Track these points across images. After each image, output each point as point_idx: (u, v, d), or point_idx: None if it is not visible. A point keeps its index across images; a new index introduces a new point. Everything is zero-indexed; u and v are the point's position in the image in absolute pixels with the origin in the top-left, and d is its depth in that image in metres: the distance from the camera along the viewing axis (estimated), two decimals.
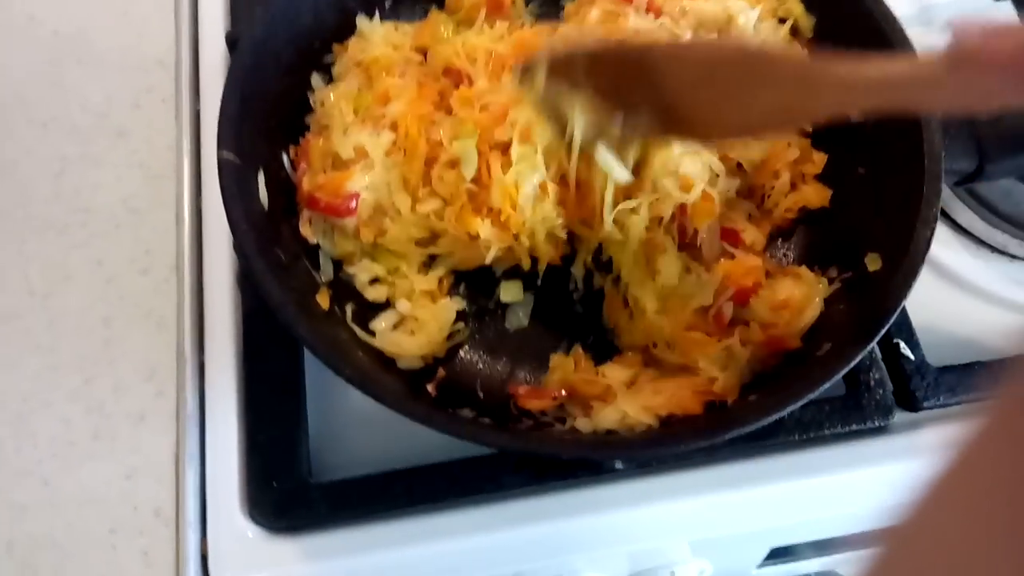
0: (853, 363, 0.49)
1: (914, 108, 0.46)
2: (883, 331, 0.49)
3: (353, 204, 0.58)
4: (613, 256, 0.59)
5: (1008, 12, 0.74)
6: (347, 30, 0.66)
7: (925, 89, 0.39)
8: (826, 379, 0.48)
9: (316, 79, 0.65)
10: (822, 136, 0.62)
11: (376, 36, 0.65)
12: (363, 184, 0.58)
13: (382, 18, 0.67)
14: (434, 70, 0.63)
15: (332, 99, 0.62)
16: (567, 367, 0.56)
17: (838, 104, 0.44)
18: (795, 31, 0.63)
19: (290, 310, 0.49)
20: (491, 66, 0.60)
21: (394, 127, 0.59)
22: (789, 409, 0.48)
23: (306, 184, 0.59)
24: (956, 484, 0.24)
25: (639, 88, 0.46)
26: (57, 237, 0.65)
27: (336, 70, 0.66)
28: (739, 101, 0.44)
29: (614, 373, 0.54)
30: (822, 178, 0.61)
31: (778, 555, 0.67)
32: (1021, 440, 0.23)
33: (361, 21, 0.66)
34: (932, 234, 0.52)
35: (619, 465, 0.57)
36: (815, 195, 0.60)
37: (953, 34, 0.36)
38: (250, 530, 0.55)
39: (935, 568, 0.24)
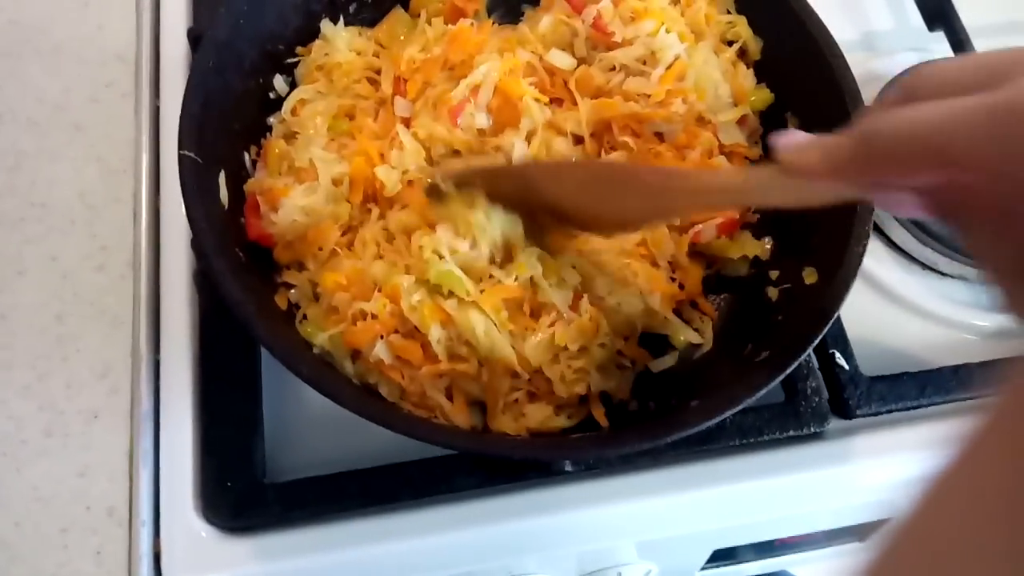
0: (789, 369, 0.51)
1: (757, 205, 0.56)
2: (817, 339, 0.52)
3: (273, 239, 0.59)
4: None
5: (943, 44, 0.78)
6: (311, 33, 0.67)
7: (762, 192, 0.46)
8: (763, 385, 0.51)
9: (279, 81, 0.65)
10: (767, 156, 0.65)
11: (339, 41, 0.66)
12: (299, 204, 0.58)
13: (346, 23, 0.68)
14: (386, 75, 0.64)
15: (308, 111, 0.62)
16: None
17: (692, 206, 0.53)
18: (743, 53, 0.66)
19: (248, 310, 0.50)
20: (425, 74, 0.62)
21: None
22: (729, 413, 0.50)
23: (250, 184, 0.60)
24: (954, 483, 0.25)
25: (530, 196, 0.54)
26: (11, 231, 0.65)
27: (298, 72, 0.66)
28: (612, 205, 0.52)
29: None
30: None
31: (721, 557, 0.70)
32: (1019, 440, 0.23)
33: (325, 25, 0.67)
34: (864, 250, 0.54)
35: (568, 467, 0.58)
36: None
37: (777, 150, 0.42)
38: (204, 530, 0.56)
39: (933, 567, 0.24)
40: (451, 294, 0.53)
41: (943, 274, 0.71)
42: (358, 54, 0.66)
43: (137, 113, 0.69)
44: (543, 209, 0.54)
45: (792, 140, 0.42)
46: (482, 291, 0.53)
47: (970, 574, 0.23)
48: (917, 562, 0.25)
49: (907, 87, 0.38)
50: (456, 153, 0.61)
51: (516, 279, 0.54)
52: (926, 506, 0.25)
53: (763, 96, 0.64)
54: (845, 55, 0.61)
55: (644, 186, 0.51)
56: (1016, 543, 0.22)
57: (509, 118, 0.61)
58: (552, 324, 0.55)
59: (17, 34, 0.72)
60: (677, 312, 0.61)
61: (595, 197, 0.52)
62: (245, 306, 0.50)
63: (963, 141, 0.33)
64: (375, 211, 0.60)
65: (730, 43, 0.66)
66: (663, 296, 0.58)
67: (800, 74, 0.62)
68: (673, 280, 0.60)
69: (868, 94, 0.64)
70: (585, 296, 0.56)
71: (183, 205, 0.52)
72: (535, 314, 0.55)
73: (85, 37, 0.73)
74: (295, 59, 0.66)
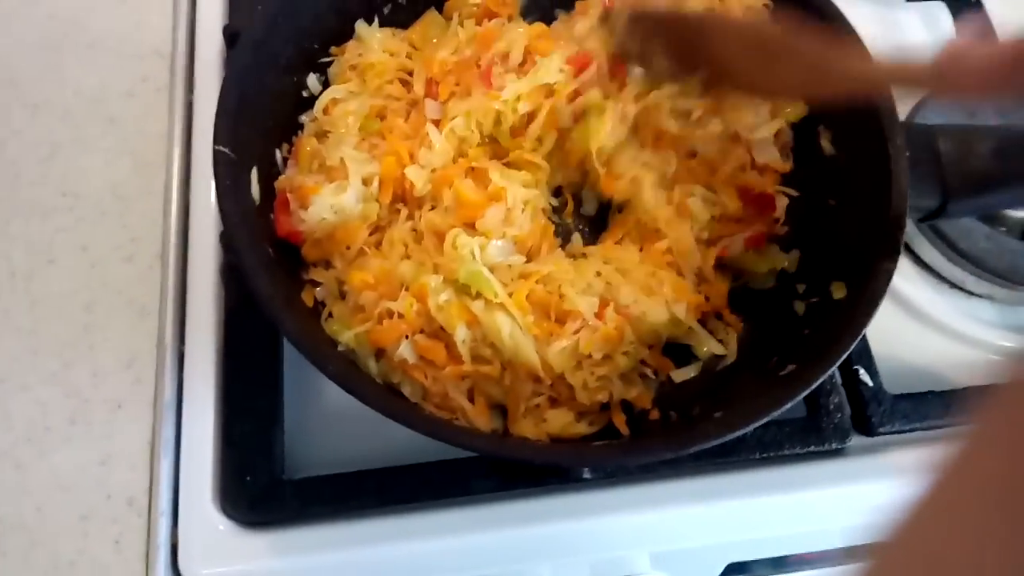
0: (814, 385, 0.51)
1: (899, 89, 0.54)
2: (844, 356, 0.52)
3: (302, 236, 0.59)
4: None
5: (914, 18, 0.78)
6: (346, 33, 0.67)
7: (907, 85, 0.49)
8: (788, 399, 0.50)
9: (312, 80, 0.66)
10: (797, 168, 0.65)
11: (373, 41, 0.67)
12: (329, 203, 0.58)
13: (381, 23, 0.69)
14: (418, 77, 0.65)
15: (340, 111, 0.63)
16: None
17: (840, 85, 0.53)
18: None
19: (276, 306, 0.50)
20: (456, 76, 0.63)
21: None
22: (752, 426, 0.50)
23: (281, 181, 0.60)
24: (951, 485, 0.25)
25: (697, 50, 0.56)
26: (43, 220, 0.65)
27: (332, 71, 0.67)
28: (768, 69, 0.54)
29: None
30: (794, 207, 0.64)
31: (734, 571, 0.69)
32: (1010, 448, 0.24)
33: (360, 26, 0.67)
34: (894, 267, 0.54)
35: (587, 474, 0.58)
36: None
37: (943, 48, 0.43)
38: (221, 523, 0.56)
39: (930, 570, 0.25)
40: (478, 295, 0.53)
41: (971, 293, 0.71)
42: (391, 55, 0.66)
43: (171, 108, 0.70)
44: (704, 63, 0.56)
45: (958, 43, 0.43)
46: (510, 293, 0.53)
47: (967, 572, 0.23)
48: (915, 564, 0.25)
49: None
50: (492, 140, 0.61)
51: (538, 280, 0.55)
52: (923, 508, 0.26)
53: (797, 109, 0.64)
54: None
55: (802, 61, 0.52)
56: (1013, 543, 0.22)
57: None
58: (577, 331, 0.55)
59: (56, 28, 0.73)
60: (702, 323, 0.60)
61: (755, 61, 0.54)
62: (273, 302, 0.50)
63: None
64: (403, 211, 0.60)
65: None
66: (689, 306, 0.58)
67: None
68: (699, 293, 0.60)
69: (902, 109, 0.64)
70: (611, 304, 0.56)
71: (215, 199, 0.53)
72: (560, 320, 0.55)
73: (122, 32, 0.74)
74: (329, 59, 0.66)
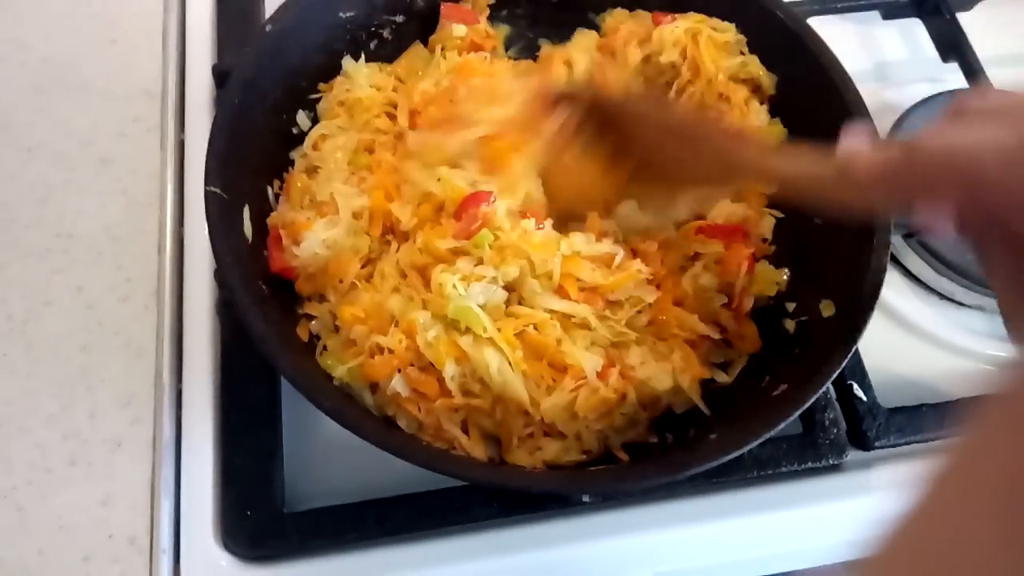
0: (807, 403, 0.52)
1: (803, 194, 0.51)
2: (836, 373, 0.52)
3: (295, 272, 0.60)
4: None
5: (957, 75, 0.79)
6: (333, 70, 0.69)
7: (814, 185, 0.48)
8: (782, 418, 0.51)
9: (302, 116, 0.67)
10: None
11: (360, 77, 0.68)
12: (321, 238, 0.59)
13: (367, 59, 0.70)
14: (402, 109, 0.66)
15: (329, 146, 0.64)
16: None
17: (749, 179, 0.57)
18: (757, 89, 0.67)
19: (272, 344, 0.51)
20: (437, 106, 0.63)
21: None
22: (748, 447, 0.50)
23: (273, 217, 0.61)
24: (944, 496, 0.25)
25: (622, 133, 0.57)
26: (38, 262, 0.66)
27: (320, 107, 0.68)
28: (685, 155, 0.55)
29: None
30: (781, 228, 0.65)
31: None
32: (1006, 453, 0.24)
33: (347, 62, 0.69)
34: (882, 282, 0.55)
35: (586, 499, 0.58)
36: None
37: (839, 150, 0.45)
38: (223, 559, 0.56)
39: (933, 562, 0.25)
40: (467, 330, 0.53)
41: (961, 304, 0.71)
42: (378, 89, 0.67)
43: (162, 147, 0.71)
44: (633, 146, 0.56)
45: (854, 143, 0.45)
46: (499, 328, 0.53)
47: (966, 571, 0.24)
48: (913, 560, 0.25)
49: (955, 108, 0.41)
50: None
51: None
52: (919, 514, 0.26)
53: (776, 131, 0.65)
54: (858, 85, 0.61)
55: (715, 149, 0.53)
56: (1010, 547, 0.22)
57: None
58: (576, 389, 0.54)
59: (48, 71, 0.74)
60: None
61: (673, 147, 0.55)
62: (268, 341, 0.51)
63: (995, 169, 0.35)
64: (393, 244, 0.61)
65: (746, 81, 0.67)
66: (693, 378, 0.57)
67: (813, 108, 0.63)
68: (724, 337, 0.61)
69: (882, 125, 0.65)
70: (616, 367, 0.55)
71: (208, 239, 0.53)
72: (555, 366, 0.54)
73: (113, 73, 0.75)
74: (317, 95, 0.67)
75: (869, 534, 0.27)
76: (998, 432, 0.25)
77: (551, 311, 0.55)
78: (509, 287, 0.55)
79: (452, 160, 0.59)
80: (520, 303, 0.56)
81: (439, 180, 0.58)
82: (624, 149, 0.58)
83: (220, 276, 0.64)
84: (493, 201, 0.56)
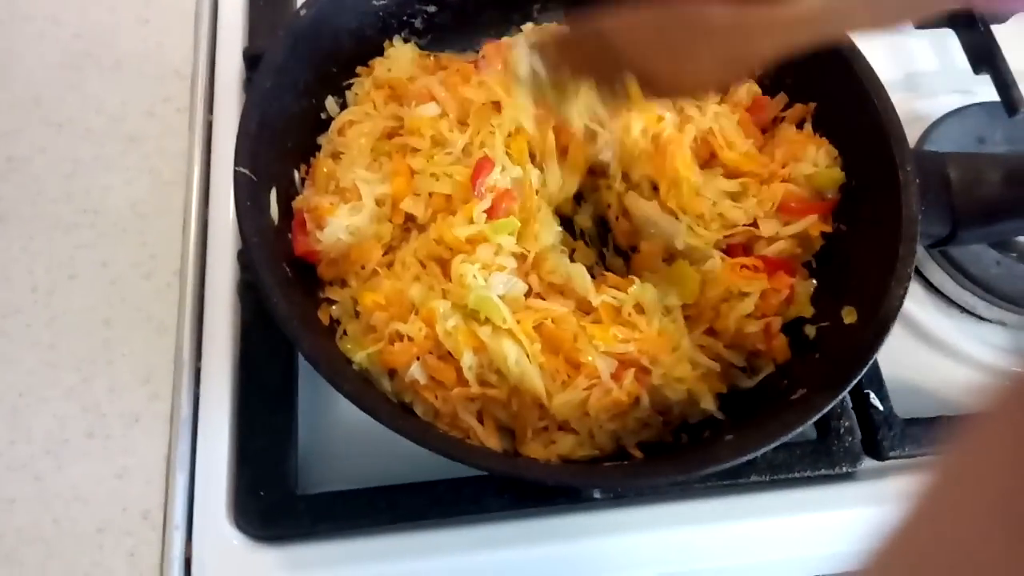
0: (825, 409, 0.51)
1: (836, 37, 0.49)
2: (855, 381, 0.52)
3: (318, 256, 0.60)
4: None
5: (988, 87, 0.78)
6: (363, 57, 0.69)
7: (842, 18, 0.45)
8: (799, 423, 0.51)
9: (331, 102, 0.67)
10: None
11: (404, 57, 0.68)
12: (344, 224, 0.59)
13: None
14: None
15: (354, 132, 0.64)
16: None
17: (771, 45, 0.48)
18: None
19: (294, 325, 0.51)
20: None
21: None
22: (763, 450, 0.50)
23: (298, 201, 0.61)
24: (945, 497, 0.25)
25: (606, 60, 0.51)
26: (64, 236, 0.67)
27: (354, 91, 0.68)
28: (689, 57, 0.49)
29: None
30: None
31: None
32: (1008, 456, 0.24)
33: (395, 42, 0.69)
34: (905, 292, 0.54)
35: (597, 494, 0.59)
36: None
37: None
38: (235, 537, 0.57)
39: (935, 560, 0.25)
40: (487, 320, 0.53)
41: (981, 318, 0.71)
42: (421, 69, 0.67)
43: (191, 127, 0.71)
44: (620, 71, 0.50)
45: None
46: (518, 320, 0.53)
47: (965, 572, 0.24)
48: (912, 567, 0.25)
49: None
50: None
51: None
52: (919, 514, 0.26)
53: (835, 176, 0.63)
54: (890, 96, 0.61)
55: (717, 28, 0.47)
56: (1010, 549, 0.22)
57: None
58: (589, 388, 0.54)
59: (80, 48, 0.75)
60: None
61: (670, 51, 0.48)
62: (291, 322, 0.51)
63: None
64: (414, 232, 0.61)
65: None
66: (711, 393, 0.57)
67: (846, 118, 0.63)
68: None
69: (912, 135, 0.65)
70: (631, 371, 0.54)
71: (234, 219, 0.54)
72: (570, 361, 0.54)
73: (145, 53, 0.75)
74: (347, 81, 0.68)
75: (873, 542, 0.27)
76: (997, 438, 0.25)
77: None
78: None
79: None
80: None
81: (438, 180, 0.59)
82: (619, 79, 0.51)
83: (243, 258, 0.64)
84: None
